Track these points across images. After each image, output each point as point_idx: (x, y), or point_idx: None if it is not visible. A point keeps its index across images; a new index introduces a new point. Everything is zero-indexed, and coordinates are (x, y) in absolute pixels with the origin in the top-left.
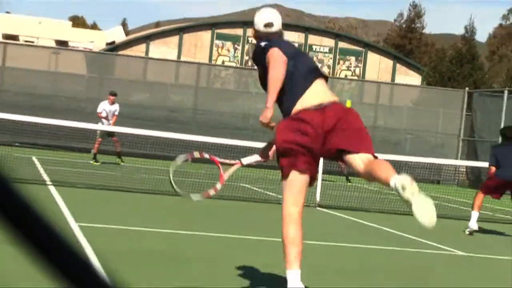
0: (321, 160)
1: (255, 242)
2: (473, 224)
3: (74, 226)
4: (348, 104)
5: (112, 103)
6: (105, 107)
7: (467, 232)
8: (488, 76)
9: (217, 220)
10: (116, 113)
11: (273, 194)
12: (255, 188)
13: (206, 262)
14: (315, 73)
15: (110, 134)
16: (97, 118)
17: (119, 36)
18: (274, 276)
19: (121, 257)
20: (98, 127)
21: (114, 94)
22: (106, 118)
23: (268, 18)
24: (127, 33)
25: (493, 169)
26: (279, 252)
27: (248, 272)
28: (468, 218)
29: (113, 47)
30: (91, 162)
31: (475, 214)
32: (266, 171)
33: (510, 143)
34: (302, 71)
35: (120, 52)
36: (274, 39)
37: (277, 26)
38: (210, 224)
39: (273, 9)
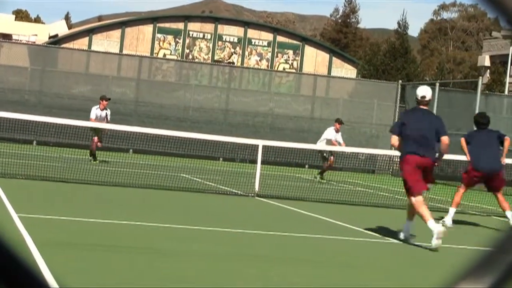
0: (260, 149)
1: (202, 232)
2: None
3: (15, 217)
4: None
5: (104, 108)
6: (97, 112)
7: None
8: (420, 69)
9: (160, 211)
10: (109, 117)
11: (213, 184)
12: (195, 179)
13: (150, 253)
14: None
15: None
16: (40, 110)
17: (62, 30)
18: (222, 265)
19: (62, 248)
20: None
21: (108, 99)
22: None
23: (422, 92)
24: (70, 26)
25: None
26: (222, 241)
27: (194, 263)
28: (401, 207)
29: (56, 40)
30: (92, 161)
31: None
32: (204, 162)
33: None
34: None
35: (63, 45)
36: (418, 107)
37: (428, 97)
38: (152, 215)
39: (428, 87)
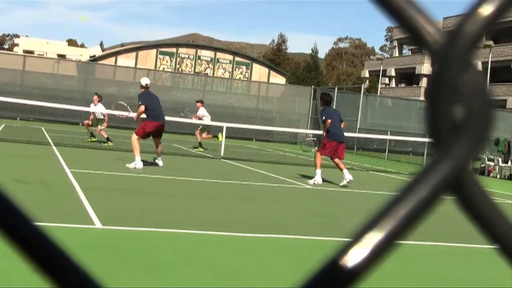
0: (224, 130)
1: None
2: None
3: (68, 171)
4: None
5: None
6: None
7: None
8: (325, 78)
9: None
10: (101, 112)
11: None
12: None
13: None
14: None
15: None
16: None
17: (98, 52)
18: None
19: (103, 191)
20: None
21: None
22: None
23: (147, 81)
24: (103, 50)
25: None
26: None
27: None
28: (309, 163)
29: (94, 59)
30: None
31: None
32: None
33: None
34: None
35: (99, 62)
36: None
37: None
38: None
39: (146, 78)
